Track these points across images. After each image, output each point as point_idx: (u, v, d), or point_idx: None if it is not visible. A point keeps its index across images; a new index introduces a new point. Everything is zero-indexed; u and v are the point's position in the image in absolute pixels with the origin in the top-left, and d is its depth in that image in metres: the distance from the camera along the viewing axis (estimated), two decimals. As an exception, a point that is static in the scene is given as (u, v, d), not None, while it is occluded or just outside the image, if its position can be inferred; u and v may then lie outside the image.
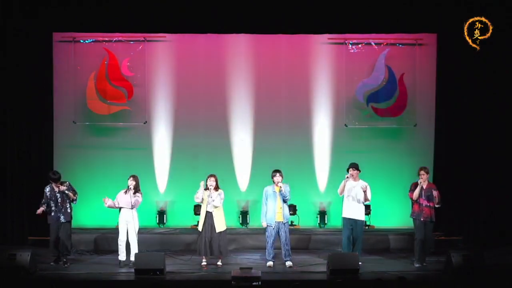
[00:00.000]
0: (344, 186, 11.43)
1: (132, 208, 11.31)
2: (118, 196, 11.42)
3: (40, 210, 11.30)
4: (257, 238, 12.94)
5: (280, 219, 11.34)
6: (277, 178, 11.35)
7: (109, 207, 11.46)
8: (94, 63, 13.87)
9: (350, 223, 11.45)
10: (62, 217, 11.31)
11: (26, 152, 13.23)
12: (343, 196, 11.59)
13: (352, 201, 11.42)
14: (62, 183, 11.33)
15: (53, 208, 11.32)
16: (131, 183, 11.33)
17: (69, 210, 11.34)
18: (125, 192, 11.37)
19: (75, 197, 11.37)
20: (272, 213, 11.34)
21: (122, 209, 11.41)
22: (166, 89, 13.97)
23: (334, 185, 11.69)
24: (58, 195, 11.31)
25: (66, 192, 11.26)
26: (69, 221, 11.37)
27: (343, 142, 14.02)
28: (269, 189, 11.46)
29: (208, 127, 14.02)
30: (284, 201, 11.37)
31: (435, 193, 11.19)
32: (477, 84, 13.20)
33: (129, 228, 11.35)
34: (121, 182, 11.67)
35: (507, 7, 12.85)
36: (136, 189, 11.37)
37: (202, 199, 11.24)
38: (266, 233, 11.44)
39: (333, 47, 14.04)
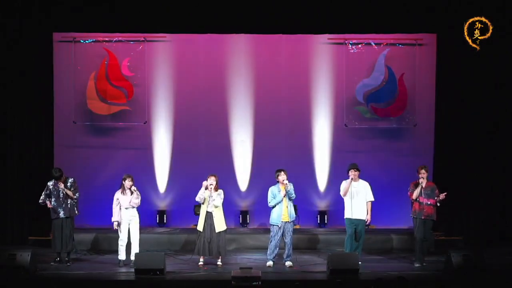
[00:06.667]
0: (349, 187, 11.37)
1: (136, 206, 11.29)
2: (118, 198, 11.28)
3: (49, 205, 11.23)
4: (257, 238, 12.94)
5: (287, 219, 11.30)
6: (283, 176, 11.20)
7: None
8: (94, 63, 13.89)
9: (354, 223, 11.42)
10: (61, 212, 11.25)
11: (26, 152, 13.22)
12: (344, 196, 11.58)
13: (354, 202, 11.38)
14: (67, 178, 11.28)
15: (54, 203, 11.28)
16: (129, 183, 11.25)
17: (69, 206, 11.22)
18: (123, 193, 11.27)
19: (74, 196, 11.25)
20: (279, 213, 11.26)
21: (123, 209, 11.35)
22: (166, 89, 13.98)
23: (334, 185, 11.66)
24: (60, 190, 11.28)
25: (65, 191, 11.21)
26: (71, 217, 11.24)
27: (343, 142, 14.03)
28: (274, 189, 11.31)
29: (208, 127, 14.03)
30: (290, 199, 11.31)
31: (437, 191, 11.23)
32: (477, 84, 13.20)
33: (131, 227, 11.31)
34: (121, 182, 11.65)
35: (507, 7, 12.85)
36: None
37: (204, 199, 11.22)
38: (271, 233, 11.30)
39: (333, 47, 14.06)
